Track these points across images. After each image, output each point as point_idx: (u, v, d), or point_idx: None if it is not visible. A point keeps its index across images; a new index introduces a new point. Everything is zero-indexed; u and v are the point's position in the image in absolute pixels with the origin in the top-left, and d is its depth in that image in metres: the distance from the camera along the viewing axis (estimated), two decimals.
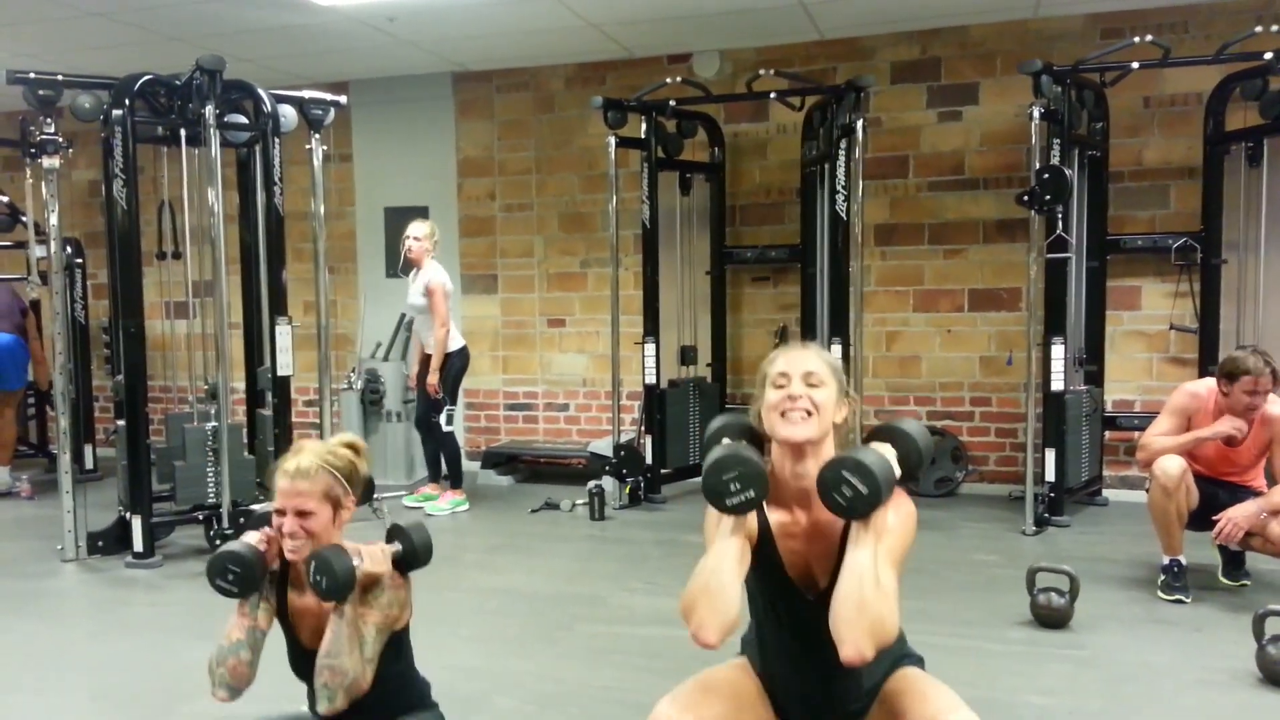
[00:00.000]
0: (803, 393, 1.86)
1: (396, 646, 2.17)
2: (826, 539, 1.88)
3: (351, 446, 2.18)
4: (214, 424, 4.91)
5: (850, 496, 1.73)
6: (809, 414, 1.86)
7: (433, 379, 5.60)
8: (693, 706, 1.86)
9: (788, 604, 1.94)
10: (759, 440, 1.94)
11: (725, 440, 1.92)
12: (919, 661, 2.06)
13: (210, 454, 4.90)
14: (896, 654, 2.00)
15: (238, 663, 2.08)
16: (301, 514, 2.06)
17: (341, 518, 2.12)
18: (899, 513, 1.83)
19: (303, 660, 2.16)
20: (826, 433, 1.89)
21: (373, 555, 2.08)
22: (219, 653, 2.09)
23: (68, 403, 4.94)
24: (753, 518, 1.88)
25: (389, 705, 2.17)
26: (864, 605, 1.69)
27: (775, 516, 1.92)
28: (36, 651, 3.70)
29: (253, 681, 2.10)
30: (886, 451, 1.82)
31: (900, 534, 1.83)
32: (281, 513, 2.07)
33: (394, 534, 2.16)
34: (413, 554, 2.15)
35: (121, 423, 4.82)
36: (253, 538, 2.12)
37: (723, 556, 1.80)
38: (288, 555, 2.09)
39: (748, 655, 2.10)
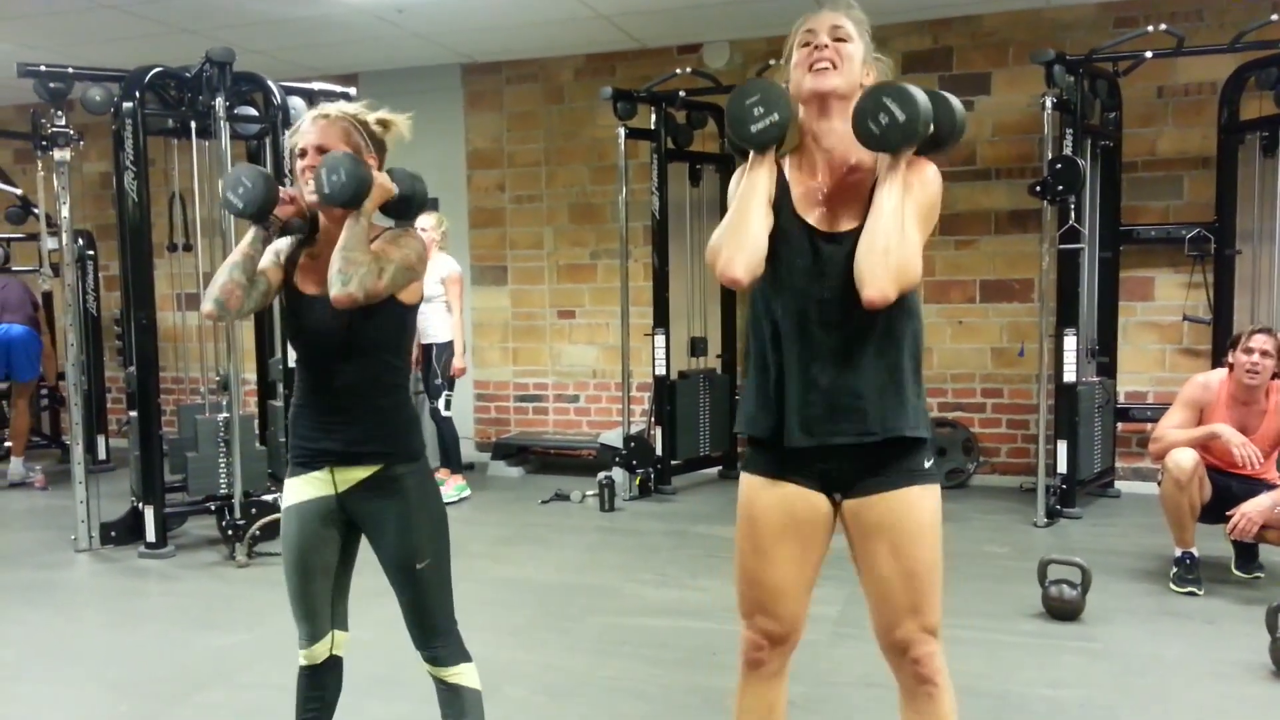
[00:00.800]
0: (829, 44, 1.81)
1: (399, 324, 2.12)
2: (852, 201, 1.82)
3: (381, 119, 2.17)
4: (226, 415, 4.92)
5: (886, 124, 1.69)
6: (836, 64, 1.81)
7: (459, 363, 5.78)
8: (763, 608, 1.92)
9: (804, 267, 1.85)
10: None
11: (742, 85, 1.85)
12: (936, 476, 1.91)
13: (222, 445, 4.91)
14: (916, 415, 1.88)
15: (231, 283, 2.04)
16: (321, 149, 2.04)
17: None
18: (927, 175, 1.80)
19: (302, 309, 2.11)
20: (854, 88, 1.82)
21: (380, 176, 2.06)
22: (219, 272, 2.07)
23: (80, 394, 4.97)
24: (773, 184, 1.84)
25: (382, 411, 2.10)
26: (889, 249, 1.69)
27: (798, 183, 1.87)
28: (50, 641, 3.73)
29: (241, 311, 2.08)
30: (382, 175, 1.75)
31: (929, 194, 1.80)
32: (301, 154, 2.06)
33: (392, 174, 2.11)
34: (411, 190, 2.11)
35: (134, 414, 4.84)
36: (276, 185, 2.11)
37: (748, 196, 1.79)
38: (305, 197, 2.07)
39: (747, 423, 1.96)
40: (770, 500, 1.92)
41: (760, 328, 1.93)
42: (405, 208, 2.13)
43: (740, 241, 1.77)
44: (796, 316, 1.86)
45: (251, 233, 2.08)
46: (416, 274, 2.09)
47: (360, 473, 2.10)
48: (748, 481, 1.97)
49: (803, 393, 1.86)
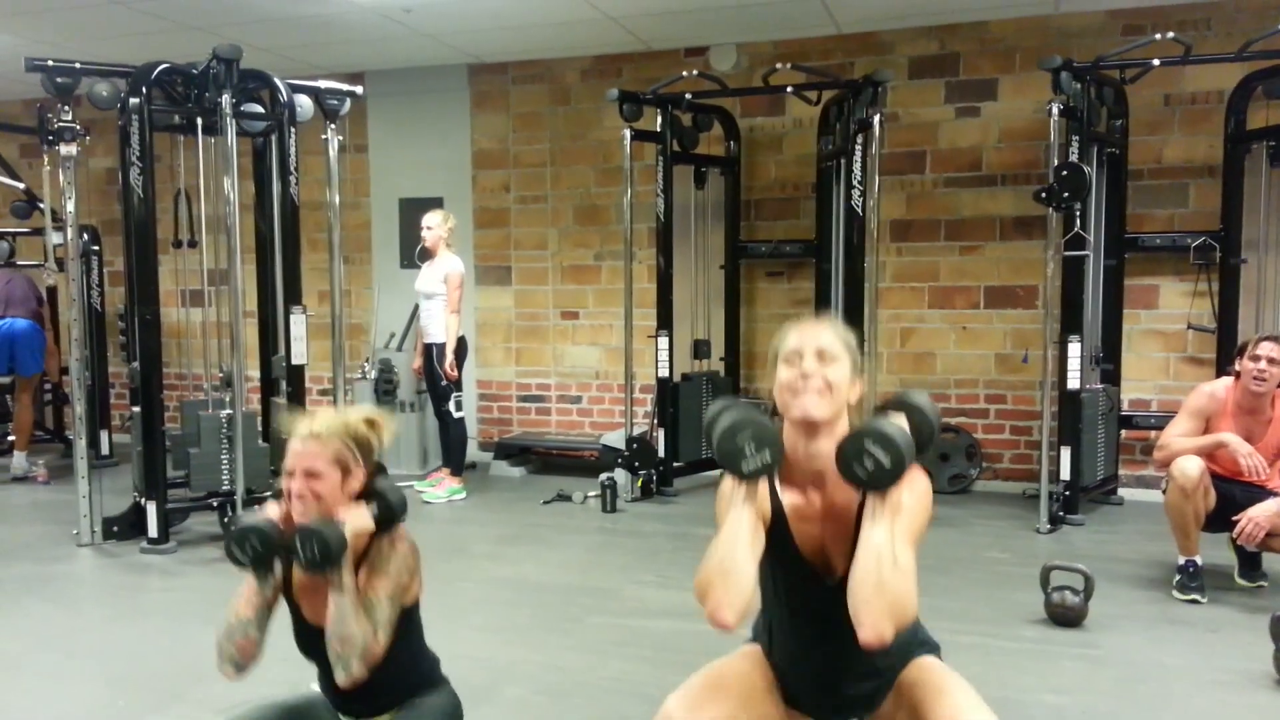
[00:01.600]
0: (815, 370, 1.80)
1: (406, 623, 2.15)
2: (842, 521, 1.84)
3: (369, 420, 2.16)
4: (229, 411, 4.92)
5: (872, 469, 1.68)
6: (822, 392, 1.81)
7: (448, 368, 5.70)
8: (700, 705, 1.84)
9: (802, 589, 1.90)
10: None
11: (729, 412, 1.82)
12: (935, 649, 2.03)
13: (225, 441, 4.92)
14: (913, 640, 1.97)
15: (247, 641, 2.06)
16: (310, 475, 2.04)
17: (349, 487, 2.09)
18: (914, 489, 1.78)
19: (308, 637, 2.14)
20: (840, 411, 1.84)
21: (352, 516, 2.06)
22: (228, 629, 2.07)
23: (84, 389, 4.97)
24: (766, 500, 1.85)
25: (399, 683, 2.17)
26: (882, 585, 1.65)
27: (789, 499, 1.88)
28: (51, 635, 3.73)
29: (259, 659, 2.10)
30: (901, 423, 1.75)
31: (918, 511, 1.79)
32: (290, 475, 2.06)
33: (368, 495, 2.12)
34: (388, 508, 2.11)
35: (137, 409, 4.84)
36: (272, 513, 2.11)
37: (736, 534, 1.76)
38: (295, 519, 2.07)
39: (759, 642, 2.08)
40: (756, 675, 2.00)
41: (764, 592, 1.96)
42: (385, 527, 2.13)
43: (730, 584, 1.72)
44: (790, 625, 1.96)
45: (254, 581, 2.10)
46: (409, 584, 2.13)
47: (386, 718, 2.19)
48: (753, 648, 2.07)
49: (812, 678, 1.98)
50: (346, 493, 2.09)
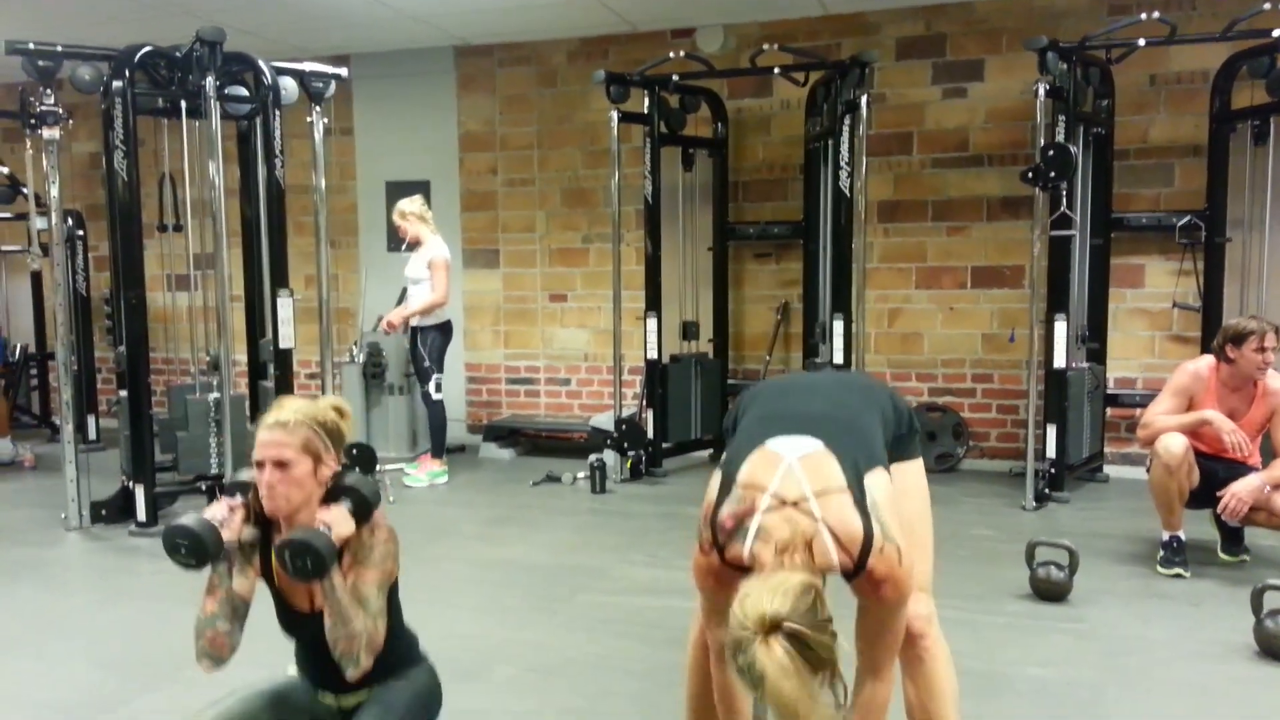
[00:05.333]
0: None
1: (388, 603, 2.14)
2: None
3: (336, 408, 2.14)
4: (216, 395, 4.92)
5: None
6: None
7: (392, 317, 5.73)
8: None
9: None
10: None
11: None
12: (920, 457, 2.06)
13: (212, 425, 4.91)
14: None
15: (215, 634, 2.05)
16: (280, 465, 2.01)
17: (322, 474, 2.07)
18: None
19: (291, 619, 2.15)
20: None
21: (335, 520, 2.03)
22: (198, 624, 2.06)
23: (70, 374, 4.95)
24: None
25: (378, 661, 2.12)
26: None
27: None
28: (40, 618, 3.74)
29: (236, 649, 2.08)
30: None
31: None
32: (261, 466, 2.03)
33: (339, 492, 2.09)
34: (364, 503, 2.08)
35: (124, 393, 4.83)
36: (212, 511, 2.06)
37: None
38: (266, 508, 2.04)
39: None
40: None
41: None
42: (363, 518, 2.11)
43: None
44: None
45: (210, 575, 2.08)
46: (392, 569, 2.12)
47: (362, 694, 2.16)
48: None
49: None
50: (319, 480, 2.06)
